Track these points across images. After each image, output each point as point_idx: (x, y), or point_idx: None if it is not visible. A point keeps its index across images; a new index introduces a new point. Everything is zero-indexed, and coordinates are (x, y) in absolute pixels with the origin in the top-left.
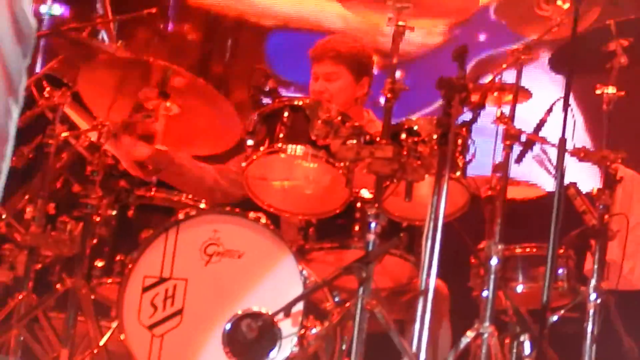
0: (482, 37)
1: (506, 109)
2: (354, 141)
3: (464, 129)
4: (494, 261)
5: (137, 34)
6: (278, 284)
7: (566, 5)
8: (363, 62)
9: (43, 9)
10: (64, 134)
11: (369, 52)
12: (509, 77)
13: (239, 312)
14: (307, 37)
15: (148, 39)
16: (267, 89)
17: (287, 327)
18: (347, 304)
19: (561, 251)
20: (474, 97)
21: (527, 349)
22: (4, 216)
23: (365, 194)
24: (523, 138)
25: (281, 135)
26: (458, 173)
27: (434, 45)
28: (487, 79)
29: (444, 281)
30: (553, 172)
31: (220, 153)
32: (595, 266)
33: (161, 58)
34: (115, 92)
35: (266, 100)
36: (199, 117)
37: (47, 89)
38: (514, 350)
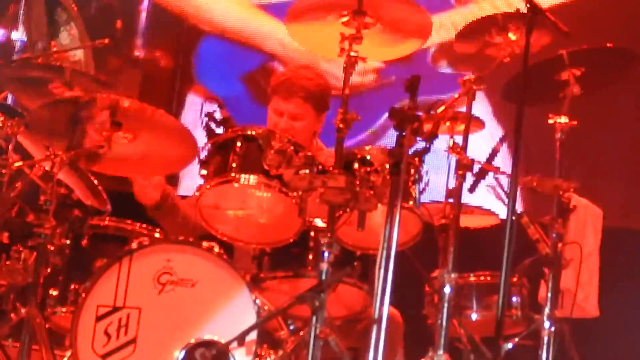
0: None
1: (459, 139)
2: (307, 171)
3: (416, 159)
4: (447, 289)
5: (109, 61)
6: (232, 313)
7: (516, 36)
8: (325, 99)
9: (15, 35)
10: (17, 164)
11: (329, 87)
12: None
13: (193, 341)
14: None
15: (120, 66)
16: (219, 118)
17: (241, 356)
18: (301, 333)
19: (515, 279)
20: (427, 127)
21: None
22: None
23: (319, 223)
24: (476, 167)
25: (234, 165)
26: (411, 202)
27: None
28: (439, 109)
29: (398, 309)
30: (506, 201)
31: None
32: (549, 294)
33: (133, 85)
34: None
35: (219, 130)
36: (151, 142)
37: (1, 118)
38: None
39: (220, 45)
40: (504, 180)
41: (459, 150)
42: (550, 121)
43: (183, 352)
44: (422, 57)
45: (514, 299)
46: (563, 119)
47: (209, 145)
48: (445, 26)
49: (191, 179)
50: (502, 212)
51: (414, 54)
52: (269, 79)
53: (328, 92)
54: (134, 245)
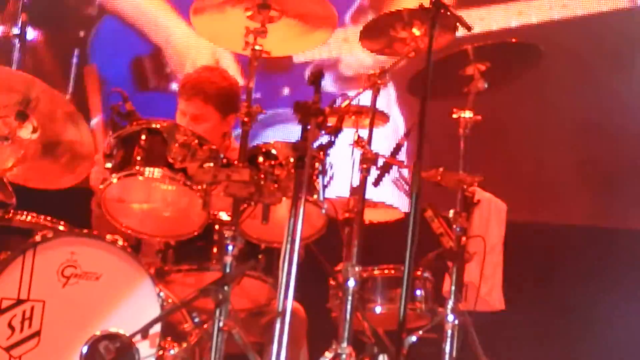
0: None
1: (364, 132)
2: (211, 164)
3: (321, 153)
4: (351, 283)
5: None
6: (136, 305)
7: (421, 31)
8: (231, 100)
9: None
10: None
11: (236, 89)
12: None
13: (97, 334)
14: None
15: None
16: (124, 111)
17: (145, 349)
18: (205, 326)
19: (419, 273)
20: (331, 121)
21: None
22: None
23: (224, 216)
24: (380, 161)
25: (139, 158)
26: (315, 196)
27: None
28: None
29: (302, 302)
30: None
31: None
32: (453, 288)
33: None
34: None
35: (123, 123)
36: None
37: None
38: None
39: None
40: (408, 174)
41: (364, 144)
42: (455, 116)
43: (87, 345)
44: None
45: (418, 292)
46: (467, 114)
47: (114, 138)
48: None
49: None
50: (407, 206)
51: None
52: (154, 67)
53: (232, 94)
54: (38, 237)
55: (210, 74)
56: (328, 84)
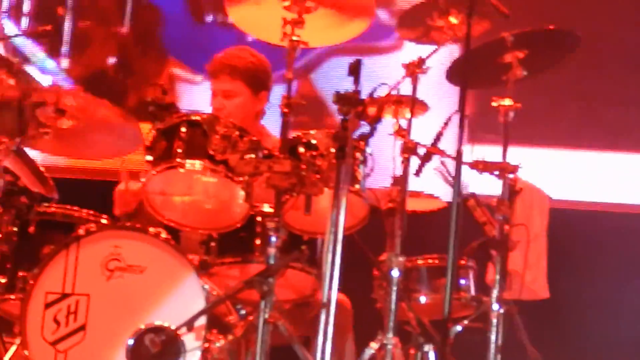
0: None
1: (404, 122)
2: (252, 155)
3: (362, 142)
4: (395, 273)
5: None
6: (180, 298)
7: (458, 20)
8: (260, 77)
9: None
10: None
11: (266, 66)
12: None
13: (142, 327)
14: None
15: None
16: (164, 104)
17: (191, 341)
18: (250, 318)
19: (463, 262)
20: (371, 111)
21: (431, 359)
22: None
23: (266, 208)
24: (421, 150)
25: (179, 151)
26: (357, 186)
27: None
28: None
29: (347, 293)
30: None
31: None
32: (497, 276)
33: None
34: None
35: (163, 115)
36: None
37: None
38: None
39: None
40: (450, 163)
41: (404, 133)
42: (494, 104)
43: (133, 338)
44: None
45: (463, 281)
46: (507, 102)
47: (154, 131)
48: None
49: None
50: (449, 195)
51: None
52: None
53: (261, 70)
54: (81, 231)
55: (237, 51)
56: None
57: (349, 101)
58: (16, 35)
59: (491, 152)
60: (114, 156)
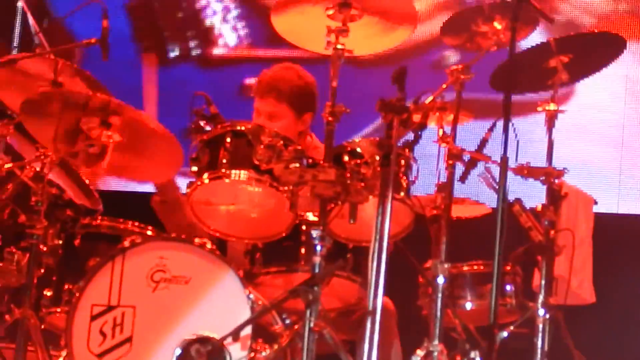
0: None
1: (448, 129)
2: (297, 165)
3: (406, 150)
4: (440, 280)
5: None
6: (226, 308)
7: (502, 25)
8: (305, 99)
9: None
10: (8, 165)
11: (312, 87)
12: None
13: (188, 338)
14: None
15: None
16: (208, 114)
17: (237, 351)
18: (296, 327)
19: (508, 268)
20: (416, 118)
21: None
22: None
23: (311, 216)
24: (466, 157)
25: (224, 161)
26: (402, 193)
27: None
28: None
29: (393, 300)
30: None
31: None
32: (543, 282)
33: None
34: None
35: (208, 126)
36: (141, 146)
37: None
38: None
39: None
40: (495, 169)
41: (449, 140)
42: (539, 109)
43: (179, 349)
44: None
45: (508, 287)
46: (552, 106)
47: (199, 141)
48: None
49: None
50: (494, 200)
51: None
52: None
53: (309, 92)
54: (127, 243)
55: (285, 72)
56: None
57: (394, 109)
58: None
59: None
60: (154, 179)
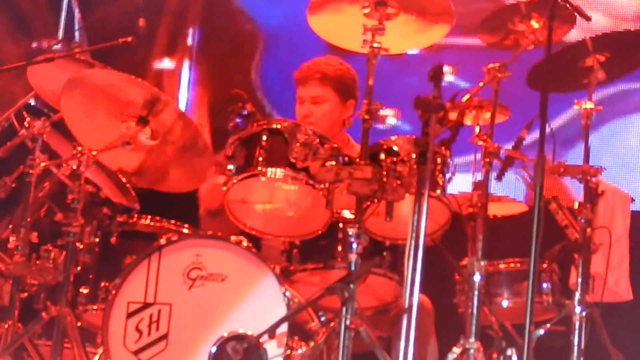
0: None
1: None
2: (333, 162)
3: (443, 148)
4: (477, 277)
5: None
6: (262, 306)
7: (539, 24)
8: (348, 85)
9: None
10: (45, 163)
11: (353, 74)
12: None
13: (224, 335)
14: None
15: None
16: (245, 112)
17: (273, 349)
18: (332, 324)
19: (545, 265)
20: (452, 116)
21: None
22: None
23: (347, 214)
24: (502, 155)
25: (261, 159)
26: (438, 191)
27: None
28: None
29: (430, 298)
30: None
31: None
32: (579, 279)
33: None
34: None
35: (244, 124)
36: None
37: (27, 119)
38: None
39: None
40: (531, 167)
41: (485, 138)
42: (576, 107)
43: (215, 347)
44: None
45: (545, 285)
46: (589, 105)
47: (235, 139)
48: None
49: None
50: (530, 198)
51: None
52: None
53: (349, 78)
54: (163, 241)
55: (326, 59)
56: None
57: (430, 106)
58: (97, 47)
59: None
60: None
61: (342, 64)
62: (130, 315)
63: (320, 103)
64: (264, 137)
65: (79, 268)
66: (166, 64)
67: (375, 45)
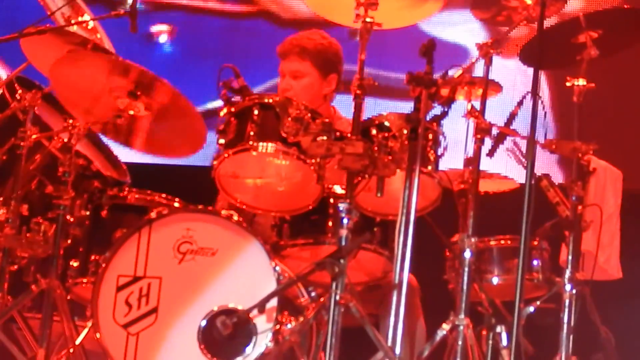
0: None
1: (477, 103)
2: (324, 138)
3: (434, 124)
4: (467, 254)
5: None
6: (252, 280)
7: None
8: (330, 59)
9: None
10: (35, 136)
11: (336, 49)
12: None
13: (214, 309)
14: None
15: None
16: (236, 87)
17: (262, 323)
18: (322, 299)
19: (535, 243)
20: (444, 92)
21: (504, 340)
22: None
23: (338, 189)
24: (494, 131)
25: (252, 133)
26: (429, 167)
27: None
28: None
29: (419, 274)
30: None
31: None
32: (570, 257)
33: None
34: (90, 91)
35: (235, 98)
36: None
37: (19, 91)
38: (490, 342)
39: None
40: (523, 144)
41: (477, 114)
42: (568, 84)
43: (204, 321)
44: None
45: (535, 262)
46: (581, 82)
47: (226, 114)
48: None
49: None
50: (522, 175)
51: None
52: None
53: (333, 52)
54: (153, 215)
55: (308, 34)
56: None
57: (422, 82)
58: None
59: None
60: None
61: (325, 37)
62: (120, 288)
63: (299, 77)
64: (255, 112)
65: (69, 241)
66: None
67: (367, 20)
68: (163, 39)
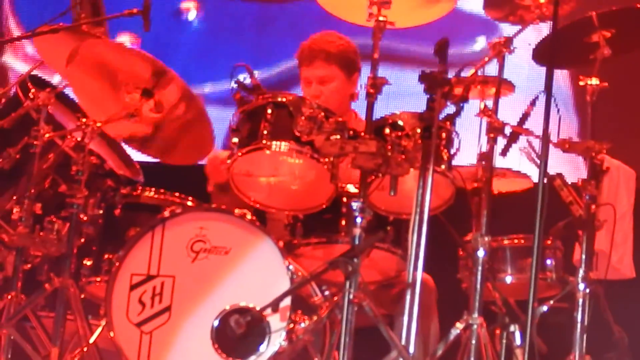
0: None
1: (489, 102)
2: (338, 136)
3: (447, 123)
4: (481, 253)
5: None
6: (265, 279)
7: None
8: (352, 59)
9: None
10: (48, 135)
11: (354, 47)
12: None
13: (227, 308)
14: None
15: None
16: (249, 85)
17: (276, 322)
18: (335, 298)
19: (549, 242)
20: (457, 91)
21: (517, 339)
22: None
23: (351, 188)
24: (507, 130)
25: (265, 132)
26: (443, 166)
27: None
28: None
29: (432, 273)
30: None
31: None
32: (583, 256)
33: None
34: (104, 90)
35: (249, 97)
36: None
37: (32, 90)
38: (504, 341)
39: None
40: (536, 143)
41: (490, 113)
42: (581, 83)
43: (218, 320)
44: None
45: (548, 261)
46: (594, 81)
47: (240, 112)
48: None
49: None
50: (535, 175)
51: None
52: None
53: (352, 52)
54: (167, 213)
55: (325, 36)
56: None
57: (435, 81)
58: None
59: None
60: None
61: (341, 38)
62: (133, 287)
63: (327, 82)
64: (269, 111)
65: (82, 240)
66: None
67: (380, 19)
68: (192, 15)
